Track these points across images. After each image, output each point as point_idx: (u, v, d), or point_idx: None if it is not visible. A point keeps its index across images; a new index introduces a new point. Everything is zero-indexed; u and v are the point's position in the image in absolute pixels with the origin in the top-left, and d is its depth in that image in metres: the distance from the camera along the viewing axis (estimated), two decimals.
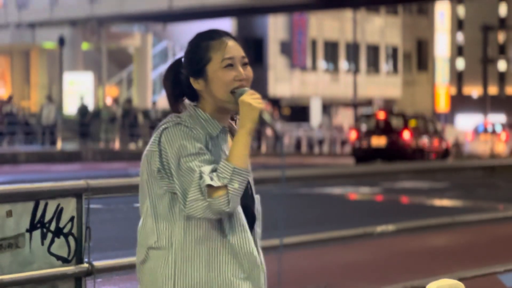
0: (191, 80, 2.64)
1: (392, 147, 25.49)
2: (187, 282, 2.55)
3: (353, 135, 26.79)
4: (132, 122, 31.99)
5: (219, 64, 2.61)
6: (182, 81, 2.68)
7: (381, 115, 26.66)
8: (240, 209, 2.61)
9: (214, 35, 2.65)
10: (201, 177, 2.50)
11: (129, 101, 34.12)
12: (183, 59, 2.69)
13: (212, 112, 2.64)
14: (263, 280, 2.64)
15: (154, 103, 34.32)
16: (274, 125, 2.64)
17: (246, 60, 2.65)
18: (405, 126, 26.20)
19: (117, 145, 30.93)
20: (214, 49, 2.62)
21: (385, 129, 26.04)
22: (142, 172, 2.65)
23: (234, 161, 2.51)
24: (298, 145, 38.08)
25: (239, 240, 2.59)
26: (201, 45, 2.64)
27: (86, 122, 31.97)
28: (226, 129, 2.65)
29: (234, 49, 2.63)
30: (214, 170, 2.51)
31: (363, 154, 25.68)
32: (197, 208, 2.51)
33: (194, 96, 2.68)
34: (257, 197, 2.73)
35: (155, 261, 2.59)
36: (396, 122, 26.39)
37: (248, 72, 2.65)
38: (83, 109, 32.43)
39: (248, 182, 2.66)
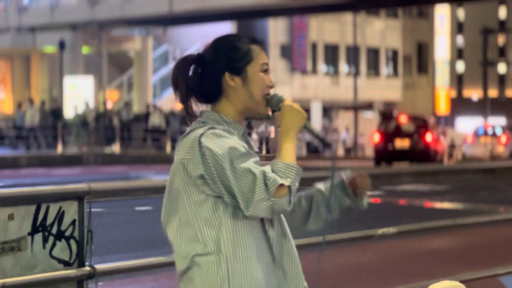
0: (227, 75, 2.64)
1: (415, 149, 26.98)
2: (243, 283, 2.55)
3: (376, 137, 27.88)
4: (107, 125, 31.58)
5: (259, 67, 2.66)
6: (198, 78, 2.66)
7: (403, 118, 28.15)
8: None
9: (253, 38, 2.70)
10: (265, 177, 2.50)
11: (103, 103, 33.72)
12: (208, 56, 2.66)
13: (234, 115, 2.65)
14: (300, 275, 2.70)
15: (126, 104, 33.66)
16: (318, 133, 2.72)
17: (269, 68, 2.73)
18: (427, 128, 27.61)
19: (117, 149, 30.93)
20: (255, 51, 2.66)
21: (408, 131, 27.43)
22: (174, 180, 2.62)
23: (290, 160, 2.55)
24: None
25: (277, 237, 2.63)
26: (243, 45, 2.66)
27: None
28: (246, 133, 2.68)
29: (266, 56, 2.71)
30: (273, 171, 2.52)
31: (387, 156, 27.10)
32: (261, 208, 2.51)
33: (211, 96, 2.66)
34: None
35: (205, 268, 2.57)
36: (417, 125, 27.74)
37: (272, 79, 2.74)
38: (81, 115, 32.37)
39: None
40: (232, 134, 2.59)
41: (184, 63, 2.69)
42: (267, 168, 2.52)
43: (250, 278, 2.55)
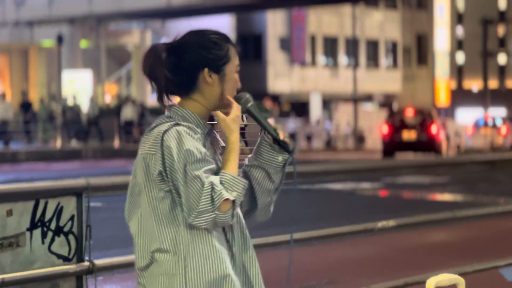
0: (205, 72, 2.62)
1: (422, 140, 28.62)
2: (200, 281, 2.54)
3: (384, 129, 29.40)
4: (76, 119, 31.27)
5: (235, 68, 2.66)
6: (173, 69, 2.63)
7: (409, 112, 29.70)
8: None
9: (227, 38, 2.70)
10: (213, 189, 2.48)
11: (73, 97, 33.11)
12: (186, 48, 2.63)
13: (202, 111, 2.63)
14: (256, 275, 2.65)
15: (92, 99, 33.10)
16: (281, 139, 2.66)
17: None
18: (432, 121, 29.26)
19: (116, 143, 30.92)
20: (233, 52, 2.67)
21: (414, 124, 29.00)
22: (136, 175, 2.61)
23: (235, 171, 2.55)
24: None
25: (237, 238, 2.62)
26: (225, 45, 2.66)
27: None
28: (212, 131, 2.67)
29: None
30: (221, 182, 2.51)
31: (395, 147, 28.69)
32: (203, 219, 2.50)
33: (185, 89, 2.63)
34: None
35: (164, 265, 2.57)
36: (423, 118, 29.36)
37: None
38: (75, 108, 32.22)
39: None
40: (196, 132, 2.57)
41: (159, 51, 2.66)
42: (216, 179, 2.50)
43: (207, 277, 2.54)
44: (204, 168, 2.51)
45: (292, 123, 38.65)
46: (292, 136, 38.42)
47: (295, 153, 2.69)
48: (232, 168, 2.54)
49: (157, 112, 35.38)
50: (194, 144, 2.53)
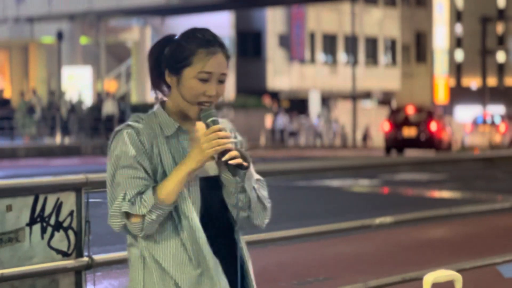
0: (166, 72, 2.60)
1: (421, 137, 29.52)
2: (154, 282, 2.55)
3: (386, 126, 30.33)
4: (55, 115, 31.04)
5: (195, 74, 2.55)
6: (150, 65, 2.65)
7: (410, 109, 30.62)
8: (193, 212, 2.55)
9: (205, 42, 2.57)
10: (124, 198, 2.50)
11: (52, 93, 32.95)
12: (170, 47, 2.61)
13: (175, 110, 2.61)
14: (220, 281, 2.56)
15: (63, 94, 32.80)
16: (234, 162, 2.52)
17: (223, 78, 2.59)
18: (432, 118, 30.13)
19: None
20: (199, 56, 2.56)
21: (414, 121, 29.89)
22: None
23: (160, 194, 2.49)
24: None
25: (191, 240, 2.55)
26: (189, 46, 2.57)
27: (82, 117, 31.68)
28: (184, 130, 2.60)
29: (216, 64, 2.57)
30: (140, 193, 2.50)
31: (396, 144, 29.52)
32: (115, 224, 2.53)
33: (156, 86, 2.65)
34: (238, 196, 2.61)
35: (130, 258, 2.63)
36: (423, 115, 30.30)
37: (221, 90, 2.59)
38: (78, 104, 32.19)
39: (215, 186, 2.59)
40: (145, 134, 2.54)
41: (156, 44, 2.67)
42: (134, 190, 2.49)
43: (161, 275, 2.55)
44: (130, 175, 2.51)
45: (281, 120, 38.74)
46: (282, 132, 38.54)
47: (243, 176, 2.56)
48: (160, 192, 2.49)
49: (137, 108, 35.41)
50: (127, 148, 2.53)
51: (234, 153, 2.52)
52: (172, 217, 2.56)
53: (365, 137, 41.75)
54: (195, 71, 2.56)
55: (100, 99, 32.79)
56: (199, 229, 2.55)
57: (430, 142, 29.56)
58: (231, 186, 2.59)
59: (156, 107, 2.63)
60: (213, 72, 2.57)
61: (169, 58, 2.60)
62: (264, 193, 2.69)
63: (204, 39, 2.59)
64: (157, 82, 2.65)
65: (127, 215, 2.51)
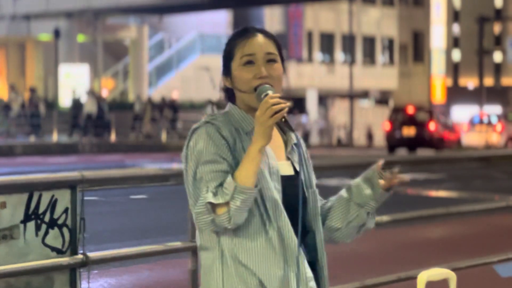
0: (223, 78, 2.62)
1: (420, 136, 30.35)
2: (235, 284, 2.51)
3: (386, 126, 31.40)
4: (34, 113, 30.79)
5: (239, 61, 2.57)
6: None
7: (410, 109, 31.47)
8: (279, 206, 2.54)
9: (243, 32, 2.60)
10: (207, 191, 2.47)
11: (32, 90, 32.68)
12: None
13: (246, 110, 2.60)
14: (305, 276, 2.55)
15: (32, 90, 32.21)
16: (288, 134, 2.59)
17: (272, 56, 2.58)
18: (431, 118, 31.03)
19: (113, 137, 30.90)
20: (238, 46, 2.58)
21: (414, 121, 30.76)
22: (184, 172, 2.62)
23: (238, 178, 2.46)
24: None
25: (282, 237, 2.52)
26: (230, 43, 2.61)
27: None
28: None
29: (257, 45, 2.57)
30: (221, 184, 2.47)
31: (396, 143, 30.55)
32: (203, 221, 2.48)
33: (229, 99, 2.66)
34: (313, 192, 2.66)
35: (204, 262, 2.56)
36: (423, 115, 31.20)
37: (273, 69, 2.57)
38: (75, 102, 32.13)
39: (294, 184, 2.59)
40: (226, 129, 2.53)
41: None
42: (216, 182, 2.46)
43: (244, 276, 2.50)
44: (212, 169, 2.48)
45: None
46: None
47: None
48: (238, 175, 2.46)
49: (115, 105, 35.35)
50: (210, 143, 2.51)
51: (283, 112, 2.49)
52: (259, 212, 2.52)
53: (369, 136, 41.82)
54: (238, 59, 2.57)
55: (76, 97, 32.33)
56: (288, 226, 2.53)
57: (429, 141, 30.34)
58: (375, 202, 2.70)
59: (228, 107, 2.62)
60: (255, 52, 2.56)
61: (222, 63, 2.63)
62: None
63: (239, 30, 2.62)
64: (228, 94, 2.65)
65: (213, 208, 2.46)
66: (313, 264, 2.63)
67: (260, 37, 2.58)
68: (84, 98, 32.40)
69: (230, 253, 2.51)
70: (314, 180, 2.73)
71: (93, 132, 30.63)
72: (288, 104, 2.51)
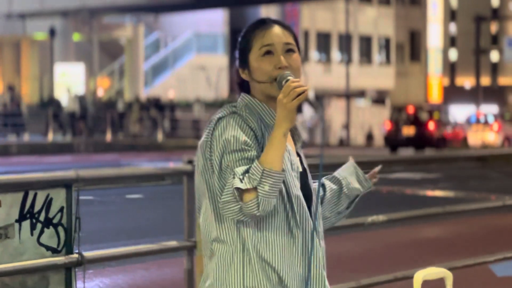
0: (240, 70, 2.59)
1: (420, 136, 30.96)
2: (258, 278, 2.47)
3: (387, 125, 31.99)
4: (15, 111, 30.65)
5: (258, 52, 2.55)
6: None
7: (410, 109, 32.11)
8: (303, 204, 2.54)
9: (260, 24, 2.58)
10: (234, 177, 2.41)
11: (10, 88, 32.49)
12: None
13: (264, 101, 2.57)
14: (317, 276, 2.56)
15: (10, 88, 32.25)
16: (319, 111, 2.60)
17: (290, 47, 2.57)
18: (430, 118, 31.62)
19: (108, 137, 30.87)
20: (256, 37, 2.56)
21: (414, 121, 31.36)
22: (198, 163, 2.56)
23: (265, 162, 2.41)
24: None
25: (304, 235, 2.52)
26: (247, 35, 2.58)
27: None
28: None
29: (275, 35, 2.55)
30: (247, 171, 2.42)
31: (396, 142, 31.13)
32: (230, 210, 2.43)
33: (248, 87, 2.62)
34: (314, 188, 2.66)
35: (222, 256, 2.50)
36: (422, 115, 31.78)
37: (292, 60, 2.57)
38: (52, 101, 31.95)
39: (307, 177, 2.61)
40: (252, 121, 2.50)
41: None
42: (243, 168, 2.42)
43: (266, 275, 2.47)
44: (240, 157, 2.45)
45: None
46: None
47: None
48: (265, 160, 2.42)
49: (110, 104, 35.28)
50: (238, 133, 2.47)
51: (306, 93, 2.49)
52: (285, 208, 2.50)
53: (370, 136, 41.86)
54: (257, 50, 2.55)
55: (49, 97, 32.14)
56: (311, 226, 2.54)
57: (428, 141, 30.89)
58: (357, 192, 2.78)
59: (244, 100, 2.58)
60: (274, 42, 2.56)
61: (238, 57, 2.61)
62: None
63: (256, 22, 2.60)
64: (241, 86, 2.63)
65: (241, 195, 2.40)
66: None
67: (277, 28, 2.58)
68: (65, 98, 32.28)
69: (252, 248, 2.47)
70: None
71: (73, 131, 30.51)
72: (308, 87, 2.52)
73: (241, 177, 2.41)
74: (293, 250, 2.50)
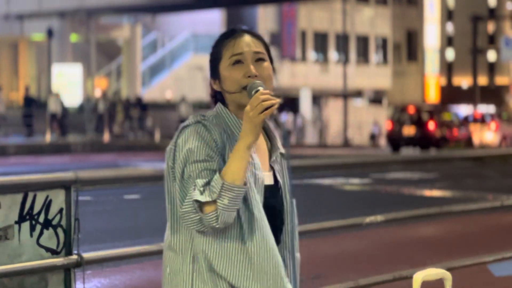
0: (211, 81, 2.59)
1: (420, 136, 31.43)
2: (206, 283, 2.47)
3: (388, 125, 32.69)
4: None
5: (228, 62, 2.53)
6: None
7: (411, 109, 32.71)
8: (262, 215, 2.50)
9: (230, 33, 2.57)
10: (194, 189, 2.42)
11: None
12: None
13: (236, 111, 2.56)
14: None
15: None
16: (283, 130, 2.56)
17: (260, 55, 2.55)
18: (430, 118, 32.08)
19: (106, 137, 30.86)
20: (226, 46, 2.55)
21: (414, 121, 31.87)
22: (165, 168, 2.57)
23: (226, 176, 2.42)
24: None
25: (256, 248, 2.48)
26: (217, 45, 2.58)
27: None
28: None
29: (244, 44, 2.54)
30: (209, 183, 2.42)
31: (396, 142, 31.59)
32: (190, 220, 2.43)
33: (222, 97, 2.61)
34: (292, 201, 2.64)
35: (172, 264, 2.52)
36: (423, 115, 32.26)
37: (262, 68, 2.54)
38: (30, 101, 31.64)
39: (279, 186, 2.58)
40: (216, 131, 2.49)
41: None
42: (204, 180, 2.42)
43: (217, 282, 2.47)
44: (202, 168, 2.44)
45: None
46: None
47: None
48: (226, 173, 2.42)
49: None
50: (200, 142, 2.47)
51: (272, 108, 2.45)
52: (240, 221, 2.48)
53: (373, 136, 41.93)
54: (226, 59, 2.54)
55: (26, 97, 31.95)
56: (271, 238, 2.49)
57: (428, 140, 31.34)
58: None
59: (218, 109, 2.58)
60: (243, 51, 2.54)
61: (209, 66, 2.60)
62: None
63: (226, 32, 2.59)
64: (216, 97, 2.62)
65: (200, 207, 2.41)
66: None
67: (247, 37, 2.56)
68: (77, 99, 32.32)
69: (203, 258, 2.47)
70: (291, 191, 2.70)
71: (58, 132, 30.42)
72: (279, 100, 2.47)
73: (201, 189, 2.41)
74: (246, 264, 2.47)
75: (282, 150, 2.63)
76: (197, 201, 2.41)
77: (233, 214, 2.43)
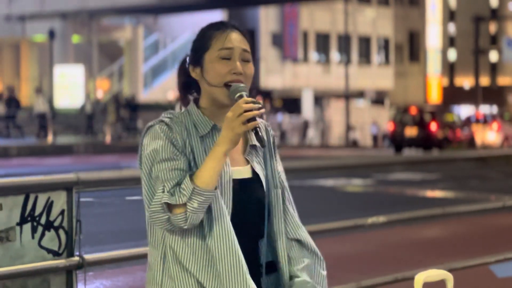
0: (190, 68, 2.57)
1: (422, 137, 31.62)
2: (176, 284, 2.48)
3: (390, 126, 32.89)
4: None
5: (216, 53, 2.52)
6: (187, 71, 2.61)
7: (413, 110, 32.94)
8: (222, 210, 2.48)
9: (221, 25, 2.56)
10: (163, 190, 2.42)
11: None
12: (192, 46, 2.63)
13: (208, 106, 2.55)
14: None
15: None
16: (264, 144, 2.49)
17: (247, 55, 2.54)
18: (433, 118, 32.22)
19: (108, 138, 30.87)
20: (217, 37, 2.53)
21: (416, 121, 32.05)
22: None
23: (198, 180, 2.41)
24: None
25: (217, 243, 2.47)
26: (206, 34, 2.55)
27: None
28: (219, 128, 2.53)
29: (235, 40, 2.53)
30: (179, 184, 2.42)
31: (399, 143, 31.78)
32: (158, 219, 2.44)
33: (186, 90, 2.61)
34: (276, 193, 2.63)
35: (150, 259, 2.56)
36: (425, 116, 32.44)
37: (247, 67, 2.53)
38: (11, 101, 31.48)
39: (251, 187, 2.55)
40: (177, 131, 2.48)
41: (183, 59, 2.69)
42: (173, 182, 2.41)
43: (186, 279, 2.47)
44: (169, 167, 2.44)
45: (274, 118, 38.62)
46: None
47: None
48: (197, 177, 2.42)
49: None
50: (164, 142, 2.47)
51: (255, 123, 2.43)
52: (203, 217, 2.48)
53: (375, 137, 41.93)
54: (215, 51, 2.52)
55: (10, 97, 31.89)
56: (231, 231, 2.47)
57: (430, 141, 31.49)
58: None
59: (189, 106, 2.58)
60: (234, 47, 2.53)
61: (190, 53, 2.58)
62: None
63: (218, 23, 2.58)
64: (185, 86, 2.61)
65: (169, 207, 2.42)
66: (273, 267, 2.61)
67: (237, 34, 2.55)
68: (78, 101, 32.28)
69: (172, 255, 2.49)
70: (282, 181, 2.68)
71: (44, 133, 30.39)
72: (262, 110, 2.45)
73: (171, 191, 2.42)
74: (209, 260, 2.46)
75: (254, 142, 2.59)
76: (166, 203, 2.42)
77: (201, 215, 2.44)
